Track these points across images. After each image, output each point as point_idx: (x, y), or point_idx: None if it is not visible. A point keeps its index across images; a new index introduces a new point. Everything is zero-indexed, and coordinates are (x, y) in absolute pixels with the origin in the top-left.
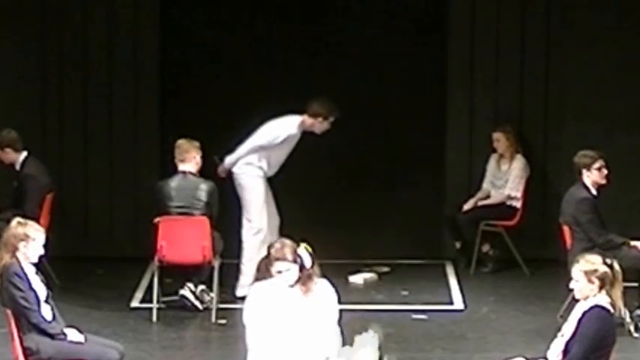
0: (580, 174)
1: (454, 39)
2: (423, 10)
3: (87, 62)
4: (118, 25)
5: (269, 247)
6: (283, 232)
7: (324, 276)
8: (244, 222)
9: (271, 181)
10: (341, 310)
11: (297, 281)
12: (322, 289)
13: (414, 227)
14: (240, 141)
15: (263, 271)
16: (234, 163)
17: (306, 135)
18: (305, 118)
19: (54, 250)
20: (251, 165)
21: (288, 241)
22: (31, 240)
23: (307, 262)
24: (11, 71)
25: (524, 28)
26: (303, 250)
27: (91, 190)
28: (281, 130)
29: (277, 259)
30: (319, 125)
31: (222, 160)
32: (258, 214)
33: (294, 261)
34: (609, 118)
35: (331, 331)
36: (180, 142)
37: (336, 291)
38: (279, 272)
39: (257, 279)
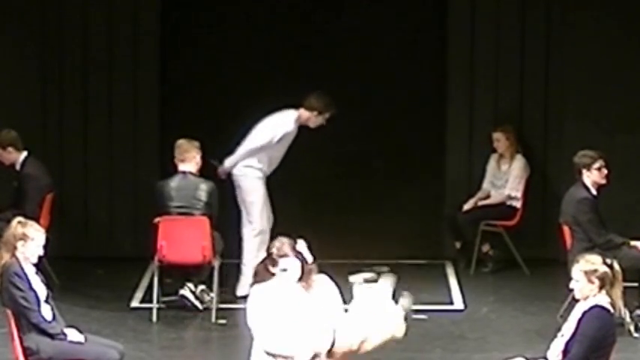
0: (580, 174)
1: (454, 39)
2: (423, 10)
3: (87, 62)
4: (118, 25)
5: (268, 248)
6: (283, 231)
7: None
8: (245, 223)
9: (269, 181)
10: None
11: (299, 278)
12: (322, 283)
13: (414, 227)
14: (238, 141)
15: (262, 273)
16: (234, 165)
17: (305, 133)
18: (301, 111)
19: (54, 250)
20: (251, 167)
21: (285, 239)
22: (29, 240)
23: (308, 257)
24: (11, 71)
25: (524, 28)
26: (303, 246)
27: (91, 190)
28: (278, 128)
29: (281, 257)
30: (314, 119)
31: (220, 162)
32: (259, 215)
33: (296, 256)
34: (609, 118)
35: (334, 322)
36: (180, 142)
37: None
38: (284, 270)
39: (255, 282)
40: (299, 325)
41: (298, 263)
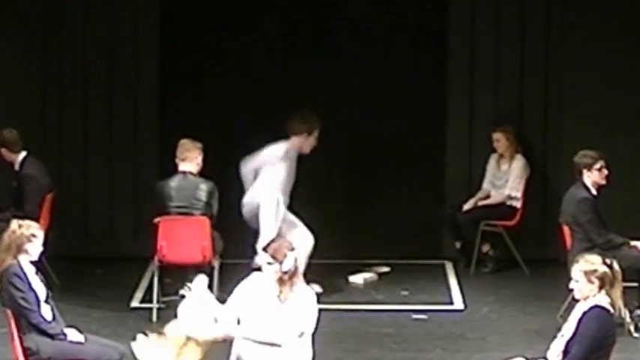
0: (580, 174)
1: (454, 39)
2: (423, 10)
3: (87, 62)
4: (118, 25)
5: (274, 237)
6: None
7: (308, 282)
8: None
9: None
10: (340, 311)
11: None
12: (301, 299)
13: (414, 227)
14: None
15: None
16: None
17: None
18: (292, 140)
19: (54, 250)
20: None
21: (286, 242)
22: (34, 239)
23: (286, 266)
24: (11, 71)
25: (524, 28)
26: (291, 255)
27: (91, 190)
28: (266, 153)
29: (265, 251)
30: (306, 143)
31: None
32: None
33: (277, 260)
34: (609, 118)
35: (295, 340)
36: (184, 141)
37: (324, 297)
38: (259, 266)
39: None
40: (263, 326)
41: (277, 267)
